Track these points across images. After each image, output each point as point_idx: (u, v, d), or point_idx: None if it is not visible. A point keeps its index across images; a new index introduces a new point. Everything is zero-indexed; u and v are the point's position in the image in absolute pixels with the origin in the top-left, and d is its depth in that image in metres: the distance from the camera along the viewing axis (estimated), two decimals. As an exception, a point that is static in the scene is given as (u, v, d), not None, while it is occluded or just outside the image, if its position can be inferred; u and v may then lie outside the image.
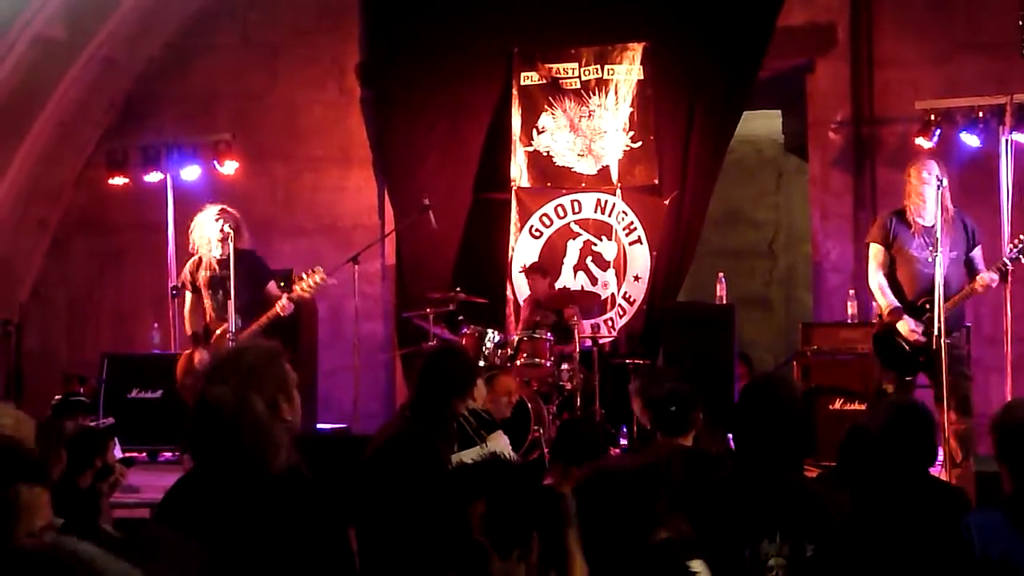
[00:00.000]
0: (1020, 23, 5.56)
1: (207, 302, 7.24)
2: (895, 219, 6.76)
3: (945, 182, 6.43)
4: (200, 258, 7.31)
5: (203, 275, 7.25)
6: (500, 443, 4.81)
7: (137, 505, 6.30)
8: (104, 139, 10.42)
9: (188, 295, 7.45)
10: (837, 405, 7.64)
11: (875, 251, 6.83)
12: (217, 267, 7.17)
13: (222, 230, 7.09)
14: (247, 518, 2.87)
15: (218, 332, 7.16)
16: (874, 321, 6.95)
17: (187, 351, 7.36)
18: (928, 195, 6.53)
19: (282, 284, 8.05)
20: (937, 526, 3.59)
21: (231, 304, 7.01)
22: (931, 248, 6.37)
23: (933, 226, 6.43)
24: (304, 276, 7.14)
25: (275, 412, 3.19)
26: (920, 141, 8.22)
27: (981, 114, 8.06)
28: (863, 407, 7.18)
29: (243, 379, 3.16)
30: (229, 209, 7.28)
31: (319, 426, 8.85)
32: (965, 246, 6.66)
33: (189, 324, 7.46)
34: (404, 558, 4.33)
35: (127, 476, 5.75)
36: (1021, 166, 8.14)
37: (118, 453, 7.12)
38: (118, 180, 9.87)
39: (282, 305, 7.07)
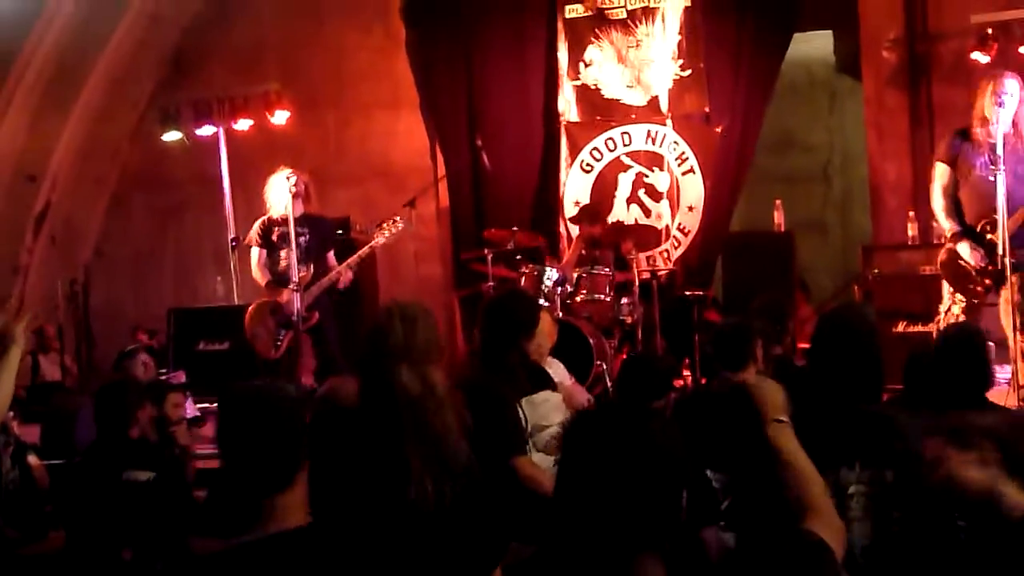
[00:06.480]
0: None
1: (282, 254, 7.44)
2: (959, 138, 6.56)
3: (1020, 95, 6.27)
4: (270, 217, 7.59)
5: (276, 231, 7.53)
6: (552, 401, 4.84)
7: (215, 456, 6.44)
8: (156, 95, 10.50)
9: (255, 251, 7.69)
10: (901, 328, 7.60)
11: (940, 171, 6.62)
12: (290, 223, 7.33)
13: (293, 188, 7.34)
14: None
15: (296, 280, 7.32)
16: (938, 242, 6.86)
17: (258, 301, 7.56)
18: (1000, 113, 6.30)
19: (340, 232, 8.19)
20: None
21: (293, 256, 7.22)
22: (992, 167, 6.24)
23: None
24: (385, 225, 7.58)
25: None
26: (976, 56, 8.05)
27: (1039, 25, 7.87)
28: (928, 328, 7.14)
29: (420, 354, 3.28)
30: (300, 174, 7.57)
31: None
32: None
33: (262, 276, 7.69)
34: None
35: (189, 434, 5.95)
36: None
37: (191, 410, 7.35)
38: (172, 135, 9.96)
39: (342, 272, 7.52)
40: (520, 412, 4.54)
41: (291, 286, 7.28)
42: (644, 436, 2.10)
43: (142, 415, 4.67)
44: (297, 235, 7.30)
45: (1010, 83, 6.31)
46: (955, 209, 6.58)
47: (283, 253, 7.49)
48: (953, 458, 3.12)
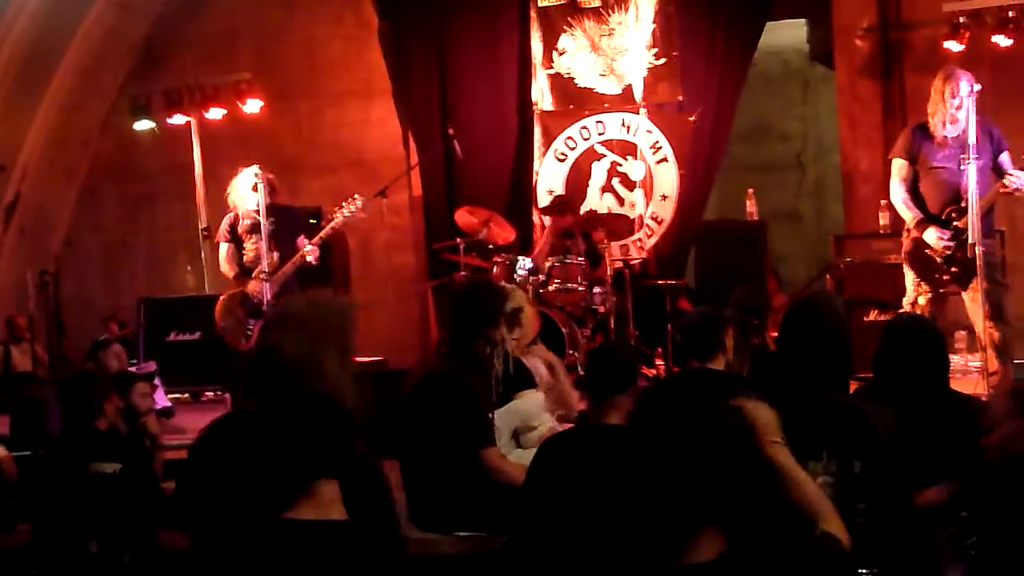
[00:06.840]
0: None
1: (247, 245, 7.34)
2: (918, 132, 6.62)
3: (977, 88, 6.30)
4: (236, 214, 7.44)
5: (243, 224, 7.39)
6: (535, 400, 4.84)
7: (184, 447, 6.40)
8: (126, 84, 10.43)
9: (223, 246, 7.53)
10: (872, 316, 7.61)
11: (898, 166, 6.69)
12: (256, 215, 7.26)
13: (257, 181, 7.23)
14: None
15: (264, 267, 7.25)
16: (904, 233, 6.87)
17: (227, 293, 7.46)
18: (956, 107, 6.35)
19: (312, 221, 8.13)
20: (954, 439, 3.64)
21: (262, 247, 7.13)
22: (963, 156, 6.26)
23: (958, 136, 6.33)
24: (344, 204, 7.35)
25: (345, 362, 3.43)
26: (949, 45, 8.08)
27: (1011, 14, 7.89)
28: (898, 317, 7.14)
29: (318, 334, 3.28)
30: (264, 169, 7.44)
31: (356, 359, 8.92)
32: (990, 153, 6.55)
33: (230, 269, 7.52)
34: (446, 493, 4.45)
35: (160, 425, 5.92)
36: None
37: (162, 401, 7.30)
38: (144, 125, 9.91)
39: (310, 250, 7.26)
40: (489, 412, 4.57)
41: (260, 274, 7.22)
42: (714, 420, 2.34)
43: (108, 406, 4.63)
44: (264, 226, 7.23)
45: (965, 82, 6.35)
46: (915, 201, 6.62)
47: (249, 244, 7.38)
48: (1015, 424, 3.17)
